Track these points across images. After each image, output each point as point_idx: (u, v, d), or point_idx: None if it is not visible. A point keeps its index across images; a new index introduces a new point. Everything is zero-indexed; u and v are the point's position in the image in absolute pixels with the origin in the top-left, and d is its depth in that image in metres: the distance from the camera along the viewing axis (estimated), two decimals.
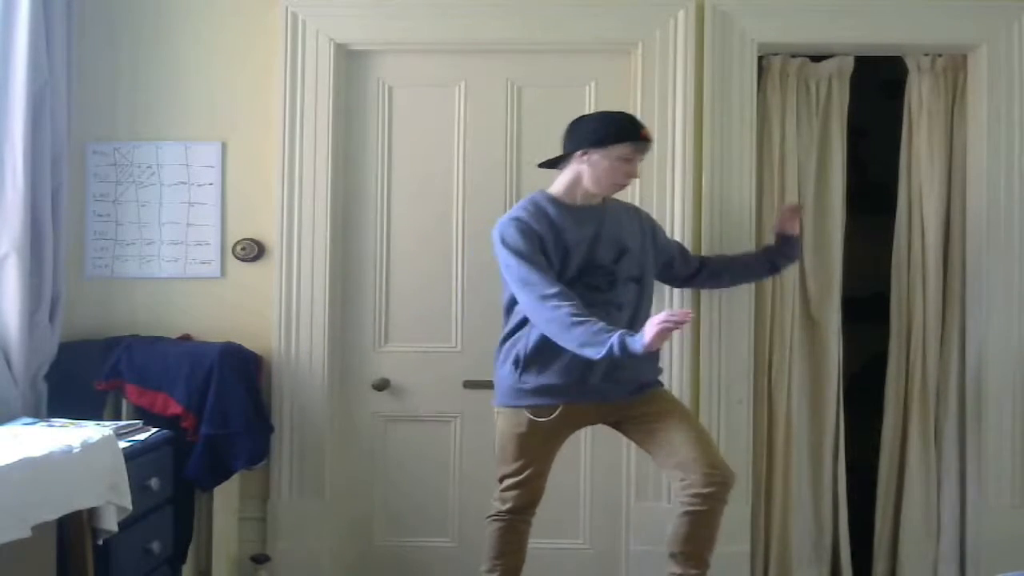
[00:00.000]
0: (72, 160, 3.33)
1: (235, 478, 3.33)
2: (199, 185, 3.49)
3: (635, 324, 2.84)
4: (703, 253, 3.40)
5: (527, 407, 2.84)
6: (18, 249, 3.05)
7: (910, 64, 3.53)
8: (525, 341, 2.84)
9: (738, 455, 3.42)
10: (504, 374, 2.90)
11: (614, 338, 2.58)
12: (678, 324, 2.57)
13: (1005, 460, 3.41)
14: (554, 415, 2.83)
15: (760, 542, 3.50)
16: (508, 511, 2.91)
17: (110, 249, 3.50)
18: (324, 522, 3.47)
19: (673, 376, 3.40)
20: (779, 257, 3.27)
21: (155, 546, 2.89)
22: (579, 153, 2.88)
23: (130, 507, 2.62)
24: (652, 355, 2.92)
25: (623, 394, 2.89)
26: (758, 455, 3.49)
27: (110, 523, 2.56)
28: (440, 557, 3.50)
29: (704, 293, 3.41)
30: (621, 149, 2.85)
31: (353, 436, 3.54)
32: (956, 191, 3.54)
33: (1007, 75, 3.41)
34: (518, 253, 2.78)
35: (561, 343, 2.71)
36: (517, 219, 2.84)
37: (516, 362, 2.85)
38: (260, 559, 3.42)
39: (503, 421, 2.91)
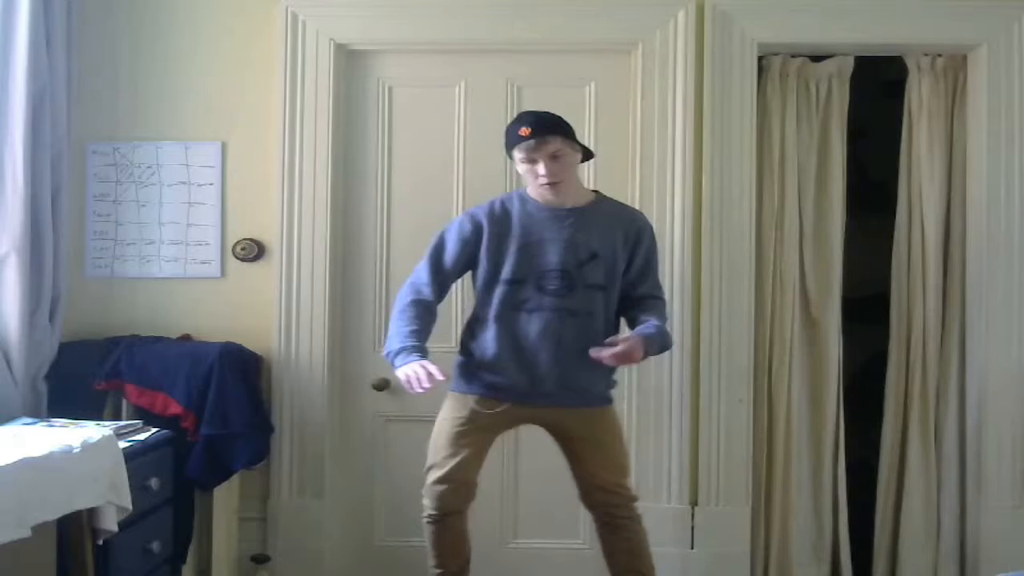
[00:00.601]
0: (72, 160, 3.33)
1: (235, 478, 3.33)
2: (199, 185, 3.49)
3: (591, 331, 2.79)
4: (703, 254, 3.41)
5: (475, 396, 2.84)
6: (18, 249, 3.05)
7: (910, 64, 3.53)
8: (484, 340, 2.83)
9: (738, 455, 3.43)
10: (459, 362, 2.90)
11: (395, 347, 2.76)
12: (416, 383, 2.66)
13: (1005, 460, 3.41)
14: (498, 410, 2.82)
15: (760, 542, 3.50)
16: (440, 510, 2.82)
17: (110, 249, 3.50)
18: (324, 522, 3.47)
19: (673, 376, 3.41)
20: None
21: (155, 546, 2.89)
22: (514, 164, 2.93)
23: (130, 507, 2.62)
24: (606, 370, 2.86)
25: (574, 403, 2.85)
26: (758, 455, 3.49)
27: (110, 523, 2.56)
28: None
29: (704, 294, 3.41)
30: (517, 154, 2.81)
31: (353, 436, 3.54)
32: (956, 191, 3.54)
33: (1007, 75, 3.41)
34: (439, 241, 2.90)
35: (387, 343, 2.86)
36: (470, 214, 2.91)
37: (472, 355, 2.86)
38: (260, 559, 3.42)
39: (447, 407, 2.90)
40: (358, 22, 3.48)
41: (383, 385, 3.50)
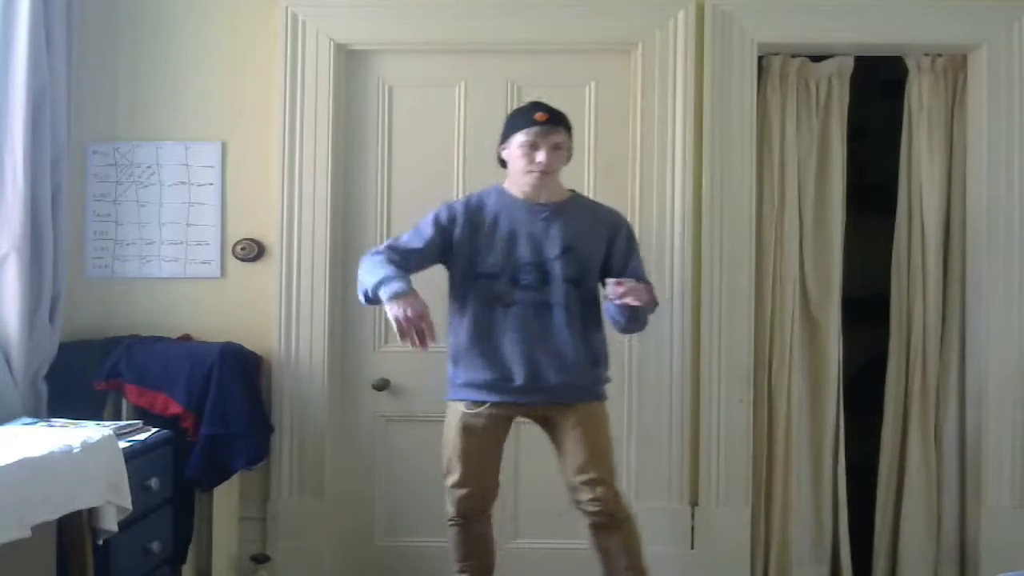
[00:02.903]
0: (72, 160, 3.33)
1: (235, 478, 3.33)
2: (199, 185, 3.49)
3: (569, 327, 2.82)
4: (703, 254, 3.41)
5: (461, 401, 2.88)
6: (18, 249, 3.05)
7: (910, 64, 3.53)
8: (457, 335, 2.89)
9: (738, 455, 3.43)
10: (448, 369, 2.94)
11: (380, 278, 2.71)
12: (407, 330, 2.65)
13: (1005, 460, 3.41)
14: (482, 411, 2.84)
15: (760, 542, 3.50)
16: (460, 514, 2.90)
17: (110, 249, 3.50)
18: (324, 522, 3.47)
19: (674, 376, 3.41)
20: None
21: (155, 546, 2.89)
22: (501, 149, 2.95)
23: (130, 507, 2.62)
24: (579, 362, 2.85)
25: (547, 402, 2.86)
26: (758, 455, 3.49)
27: (110, 523, 2.56)
28: (440, 557, 3.48)
29: (704, 294, 3.41)
30: (519, 138, 2.85)
31: (353, 436, 3.54)
32: (956, 191, 3.54)
33: (1007, 75, 3.41)
34: (416, 226, 2.92)
35: (361, 285, 2.80)
36: (447, 204, 2.96)
37: (453, 357, 2.91)
38: (260, 559, 3.42)
39: (447, 415, 2.95)
40: (358, 22, 3.48)
41: (383, 385, 3.50)
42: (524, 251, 2.85)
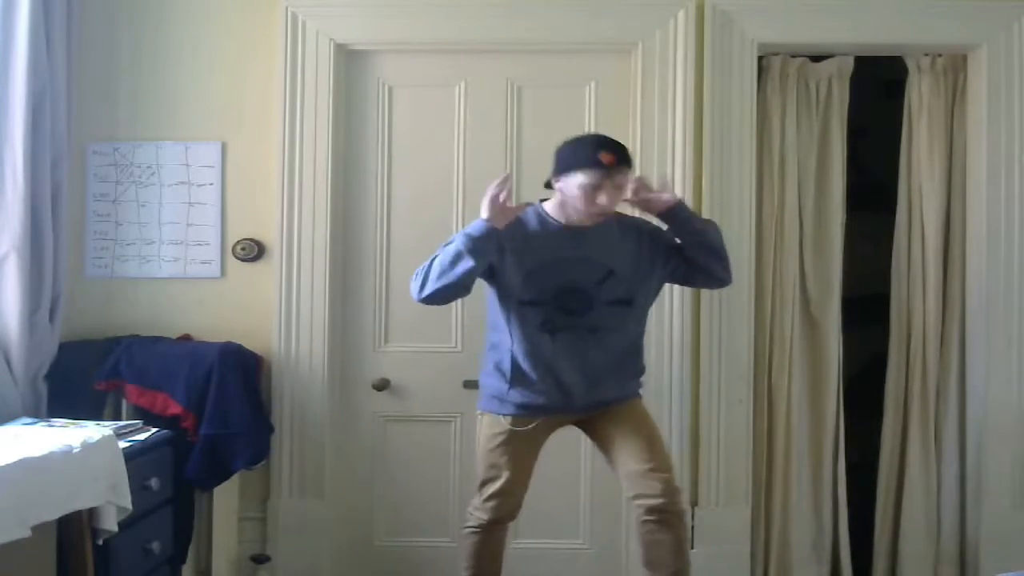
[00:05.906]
0: (72, 160, 3.33)
1: (235, 478, 3.33)
2: (199, 185, 3.49)
3: (617, 345, 2.82)
4: None
5: (509, 416, 2.83)
6: (18, 249, 3.05)
7: (910, 64, 3.53)
8: (511, 355, 2.81)
9: (738, 455, 3.43)
10: (489, 382, 2.88)
11: (456, 240, 2.67)
12: (499, 190, 2.66)
13: (1005, 460, 3.41)
14: (532, 427, 2.83)
15: (760, 542, 3.51)
16: (489, 522, 2.85)
17: (110, 249, 3.50)
18: (324, 522, 3.47)
19: (673, 376, 3.41)
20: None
21: (155, 546, 2.89)
22: (554, 179, 2.80)
23: (130, 507, 2.62)
24: (634, 374, 2.90)
25: (596, 410, 2.87)
26: (758, 455, 3.49)
27: (110, 523, 2.56)
28: (440, 557, 3.50)
29: (704, 294, 3.40)
30: (580, 177, 2.68)
31: (353, 436, 3.54)
32: (956, 191, 3.55)
33: (1007, 75, 3.41)
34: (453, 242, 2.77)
35: (431, 287, 2.72)
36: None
37: (503, 375, 2.83)
38: (260, 559, 3.42)
39: (485, 426, 2.89)
40: (358, 22, 3.48)
41: (383, 385, 3.50)
42: (570, 276, 2.76)
